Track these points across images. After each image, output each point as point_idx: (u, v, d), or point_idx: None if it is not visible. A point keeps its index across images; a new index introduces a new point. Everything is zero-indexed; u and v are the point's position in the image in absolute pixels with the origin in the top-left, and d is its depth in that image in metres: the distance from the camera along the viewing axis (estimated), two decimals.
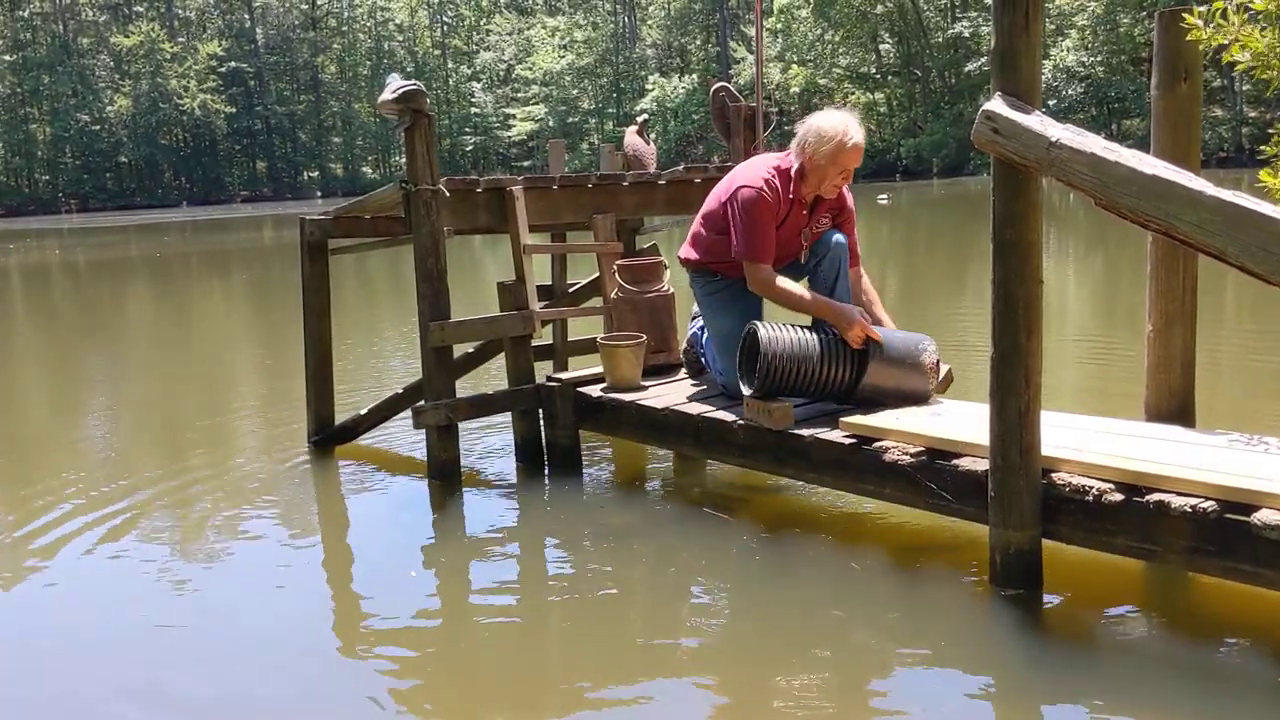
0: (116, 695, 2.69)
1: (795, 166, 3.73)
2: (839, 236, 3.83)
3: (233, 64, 67.93)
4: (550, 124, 60.49)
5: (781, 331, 3.44)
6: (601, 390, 4.20)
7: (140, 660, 2.89)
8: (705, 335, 4.14)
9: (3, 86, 64.33)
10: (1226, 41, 2.88)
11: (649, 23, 64.68)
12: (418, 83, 4.02)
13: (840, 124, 3.67)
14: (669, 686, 2.58)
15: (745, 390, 3.58)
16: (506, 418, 4.61)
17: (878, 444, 3.21)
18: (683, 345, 4.38)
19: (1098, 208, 2.53)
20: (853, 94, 50.60)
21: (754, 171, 3.80)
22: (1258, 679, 2.42)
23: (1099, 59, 40.25)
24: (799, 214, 3.81)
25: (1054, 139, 2.53)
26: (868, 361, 3.43)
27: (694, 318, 4.27)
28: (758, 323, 3.50)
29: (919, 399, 3.51)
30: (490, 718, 2.52)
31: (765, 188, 3.72)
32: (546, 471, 4.33)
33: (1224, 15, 2.88)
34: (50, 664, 2.88)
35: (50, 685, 2.76)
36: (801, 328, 3.50)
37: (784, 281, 3.76)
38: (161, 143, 67.27)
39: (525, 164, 61.36)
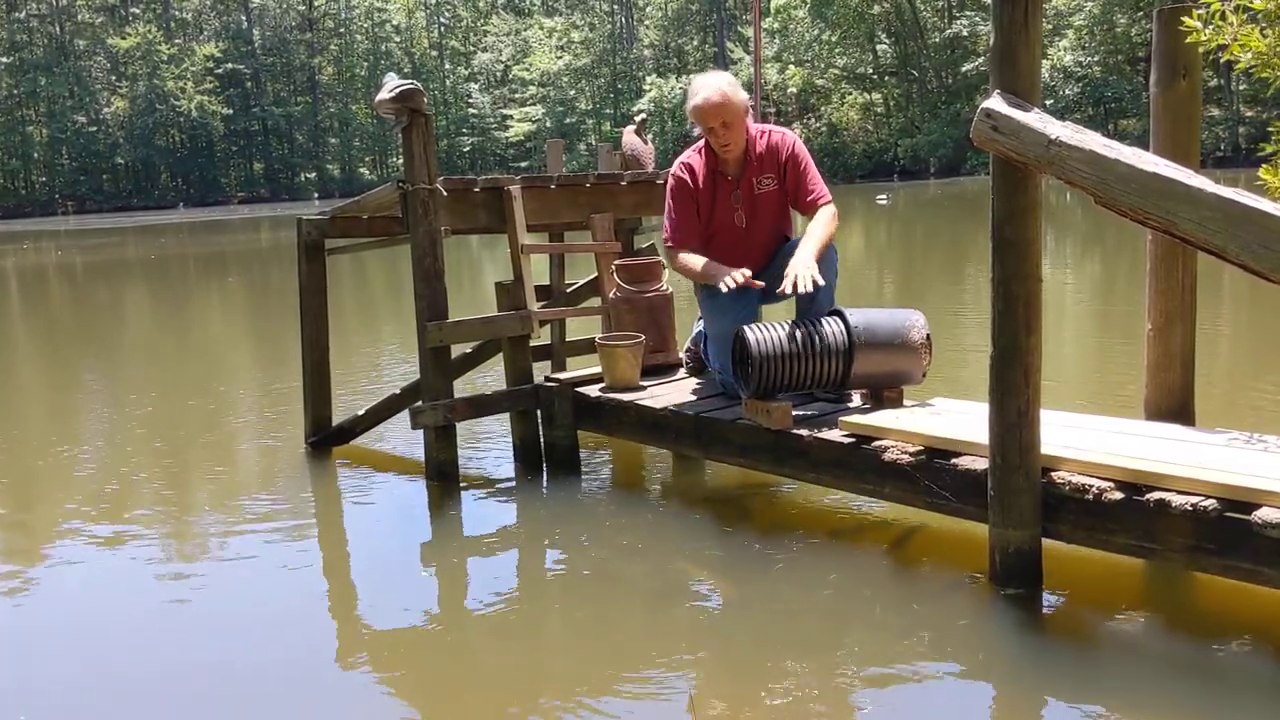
0: (115, 695, 2.68)
1: None
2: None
3: (229, 65, 67.93)
4: (547, 124, 60.54)
5: (769, 332, 3.43)
6: (600, 390, 4.19)
7: (139, 660, 2.88)
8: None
9: None
10: (1226, 42, 2.88)
11: (646, 23, 64.73)
12: (415, 82, 4.01)
13: (696, 84, 3.81)
14: (668, 685, 2.57)
15: (742, 392, 3.58)
16: (505, 418, 4.60)
17: (877, 443, 3.21)
18: (686, 344, 4.37)
19: (1097, 206, 2.52)
20: (850, 94, 50.68)
21: (684, 154, 3.96)
22: (1258, 677, 2.42)
23: (1096, 59, 40.36)
24: (724, 183, 3.87)
25: (1053, 137, 2.52)
26: (855, 351, 3.41)
27: (700, 317, 4.26)
28: (745, 326, 3.49)
29: (912, 379, 3.50)
30: (488, 718, 2.51)
31: (680, 169, 3.91)
32: (545, 472, 4.32)
33: (1222, 16, 2.87)
34: (45, 665, 2.87)
35: (45, 686, 2.74)
36: (789, 324, 3.48)
37: (685, 256, 3.86)
38: (158, 144, 67.26)
39: (523, 164, 61.38)
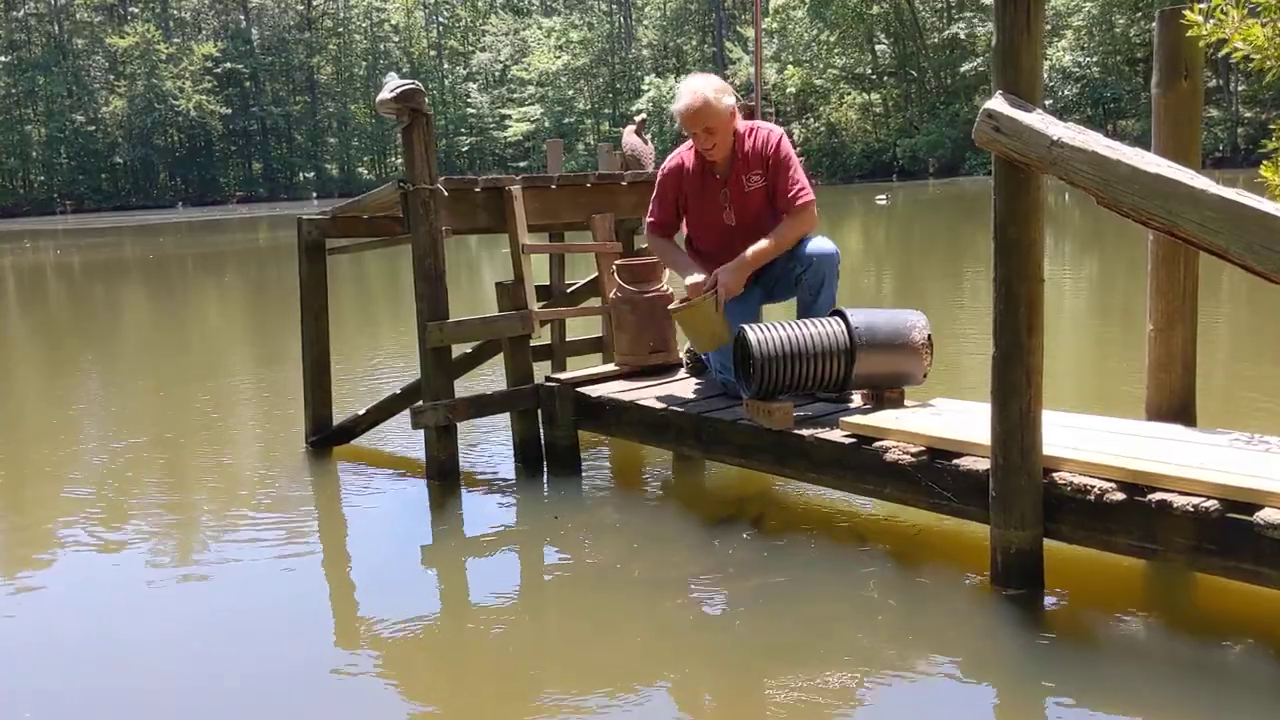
0: (115, 696, 2.68)
1: None
2: (826, 248, 3.81)
3: (228, 65, 67.92)
4: (546, 124, 60.55)
5: (772, 332, 3.43)
6: (688, 354, 4.28)
7: (137, 663, 2.88)
8: None
9: None
10: (1227, 36, 2.88)
11: (645, 23, 64.70)
12: (416, 82, 4.01)
13: (682, 88, 3.86)
14: (667, 686, 2.57)
15: (744, 393, 3.58)
16: (505, 418, 4.60)
17: (878, 444, 3.21)
18: (686, 345, 4.37)
19: (1099, 206, 2.52)
20: (849, 94, 50.67)
21: (679, 148, 4.02)
22: (1259, 679, 2.42)
23: (1095, 59, 40.39)
24: (713, 181, 3.90)
25: (1055, 137, 2.52)
26: (856, 352, 3.42)
27: None
28: (747, 326, 3.49)
29: (913, 380, 3.51)
30: (488, 717, 2.51)
31: (670, 162, 4.00)
32: (545, 472, 4.32)
33: (1224, 11, 2.87)
34: (44, 669, 2.86)
35: (44, 691, 2.74)
36: (791, 325, 3.49)
37: (660, 241, 4.05)
38: (157, 144, 67.25)
39: (521, 164, 61.38)
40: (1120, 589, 2.94)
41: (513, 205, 4.33)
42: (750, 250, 3.75)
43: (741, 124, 3.88)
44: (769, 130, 3.89)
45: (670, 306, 4.01)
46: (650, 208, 4.08)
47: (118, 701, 2.66)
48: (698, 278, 3.78)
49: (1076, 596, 2.88)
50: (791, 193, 3.81)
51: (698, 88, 3.75)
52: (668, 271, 4.46)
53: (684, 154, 3.98)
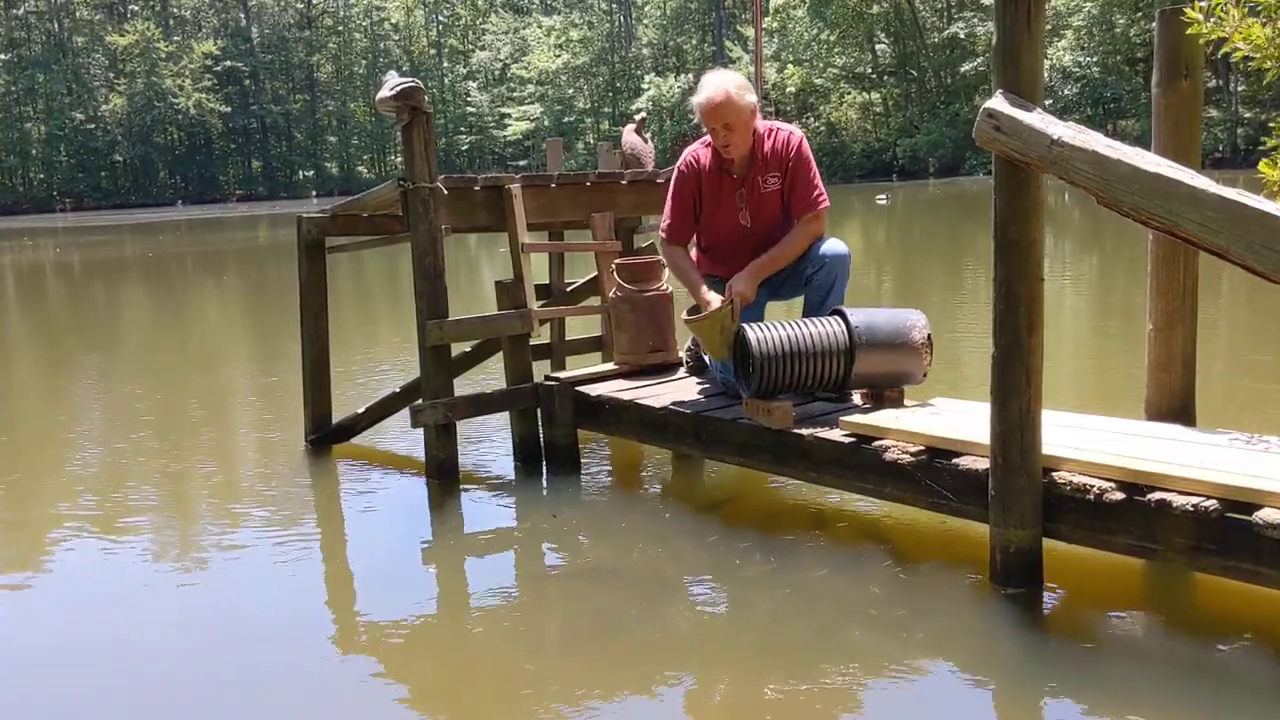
0: (113, 694, 2.68)
1: None
2: (839, 249, 3.81)
3: (228, 63, 67.89)
4: (546, 123, 60.55)
5: (771, 331, 3.43)
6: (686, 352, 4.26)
7: (139, 660, 2.88)
8: None
9: None
10: (1227, 34, 2.88)
11: (645, 22, 64.67)
12: (416, 80, 4.01)
13: (704, 81, 3.81)
14: (667, 685, 2.57)
15: (743, 392, 3.58)
16: (504, 417, 4.60)
17: (878, 443, 3.20)
18: (686, 344, 4.37)
19: (1099, 205, 2.52)
20: (849, 93, 50.67)
21: (693, 145, 3.96)
22: (1258, 677, 2.42)
23: (1095, 59, 40.40)
24: (730, 181, 3.86)
25: (1056, 137, 2.52)
26: (856, 351, 3.42)
27: None
28: (746, 325, 3.49)
29: (913, 379, 3.50)
30: (487, 717, 2.50)
31: (686, 160, 3.92)
32: (545, 471, 4.32)
33: (1223, 9, 2.87)
34: (41, 667, 2.86)
35: (40, 688, 2.74)
36: (790, 324, 3.49)
37: (676, 254, 3.96)
38: (156, 142, 67.23)
39: (521, 163, 61.38)
40: (1120, 589, 2.94)
41: (512, 204, 4.33)
42: (765, 257, 3.76)
43: (761, 125, 3.85)
44: (789, 132, 3.87)
45: (684, 318, 3.90)
46: (665, 212, 3.99)
47: (116, 700, 2.66)
48: (714, 305, 3.66)
49: (1076, 596, 2.88)
50: (812, 196, 3.81)
51: (720, 82, 3.72)
52: (667, 270, 4.45)
53: (699, 151, 3.91)
